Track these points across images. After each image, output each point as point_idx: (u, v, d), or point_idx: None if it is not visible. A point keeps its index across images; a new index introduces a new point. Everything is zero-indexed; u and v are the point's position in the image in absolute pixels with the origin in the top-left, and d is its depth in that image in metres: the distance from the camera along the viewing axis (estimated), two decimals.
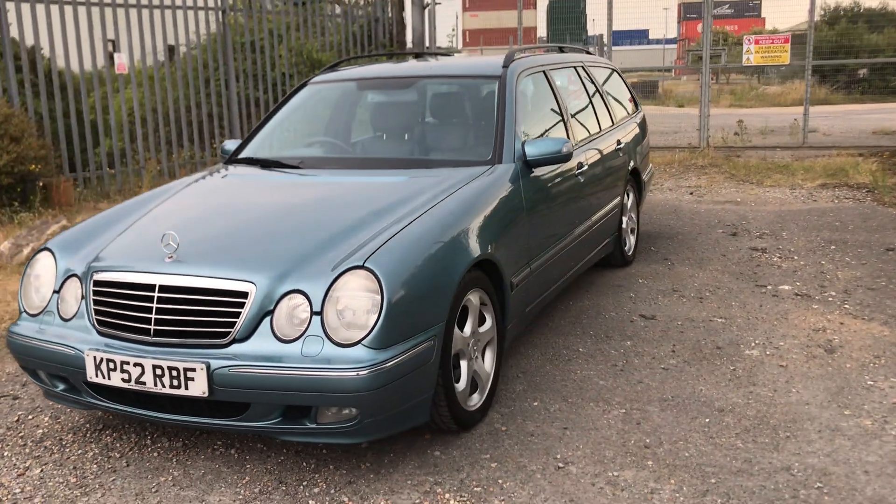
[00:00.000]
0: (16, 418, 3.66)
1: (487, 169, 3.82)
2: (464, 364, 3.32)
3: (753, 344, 4.20)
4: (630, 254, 5.83)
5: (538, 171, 4.09)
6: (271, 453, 3.25)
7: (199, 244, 3.17)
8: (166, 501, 2.94)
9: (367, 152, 4.34)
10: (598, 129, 5.26)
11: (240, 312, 2.90)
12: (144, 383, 2.94)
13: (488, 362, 3.55)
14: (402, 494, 2.92)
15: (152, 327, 2.98)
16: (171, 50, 10.64)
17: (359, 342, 2.80)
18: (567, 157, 4.01)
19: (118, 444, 3.37)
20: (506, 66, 4.39)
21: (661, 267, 5.76)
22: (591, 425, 3.36)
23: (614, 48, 13.58)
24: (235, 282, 2.93)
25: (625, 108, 6.20)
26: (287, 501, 2.91)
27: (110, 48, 10.41)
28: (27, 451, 3.35)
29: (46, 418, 3.65)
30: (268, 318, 2.90)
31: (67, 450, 3.35)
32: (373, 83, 4.64)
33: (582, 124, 5.03)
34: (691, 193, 8.91)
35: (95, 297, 3.15)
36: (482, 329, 3.47)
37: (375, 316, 2.82)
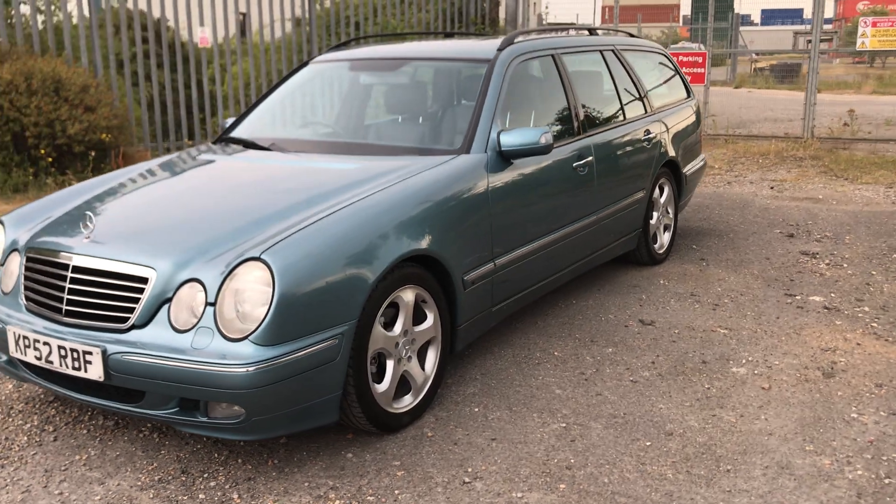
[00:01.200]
0: None
1: (450, 158, 3.62)
2: (389, 364, 3.17)
3: (745, 361, 3.83)
4: (661, 252, 5.47)
5: (519, 163, 3.86)
6: (189, 440, 3.21)
7: (117, 227, 3.15)
8: (69, 481, 2.95)
9: (340, 136, 4.22)
10: (620, 118, 4.93)
11: (139, 298, 2.85)
12: (52, 362, 2.95)
13: (429, 363, 3.38)
14: (293, 496, 2.81)
15: (64, 307, 2.98)
16: (298, 23, 10.92)
17: (246, 337, 2.70)
18: (546, 150, 3.75)
19: (57, 418, 3.42)
20: (501, 49, 4.15)
21: (692, 267, 5.38)
22: (522, 438, 3.15)
23: (762, 28, 12.86)
24: (137, 266, 2.89)
25: (670, 95, 5.80)
26: (180, 492, 2.86)
27: (240, 20, 10.84)
28: None
29: (10, 386, 3.74)
30: (166, 306, 2.84)
31: (10, 419, 3.42)
32: (364, 64, 4.50)
33: (596, 112, 4.72)
34: (772, 188, 8.31)
35: (26, 273, 3.19)
36: (420, 328, 3.30)
37: (265, 310, 2.71)
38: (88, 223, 3.07)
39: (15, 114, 7.76)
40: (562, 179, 4.19)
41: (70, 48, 8.93)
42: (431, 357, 3.39)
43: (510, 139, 3.74)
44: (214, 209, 3.26)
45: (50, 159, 7.85)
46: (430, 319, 3.34)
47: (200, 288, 2.81)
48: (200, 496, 2.84)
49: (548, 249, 4.09)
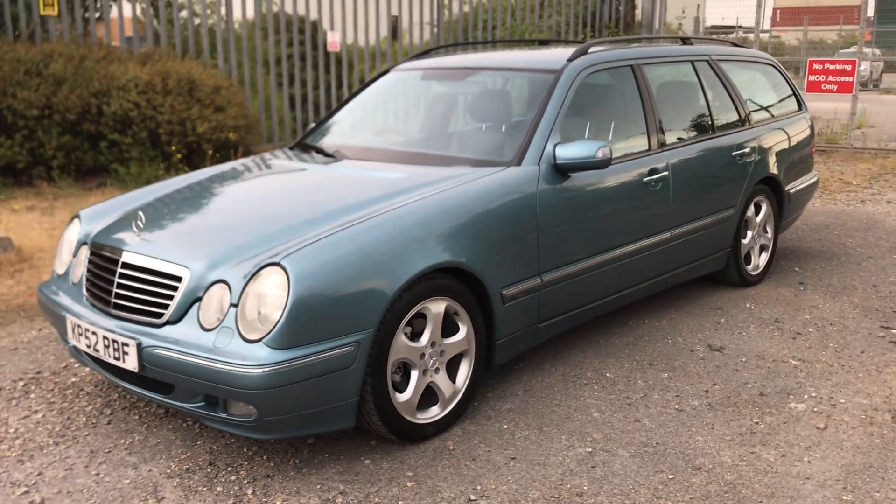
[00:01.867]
0: (65, 365, 4.08)
1: (499, 170, 3.59)
2: (414, 374, 3.19)
3: (807, 396, 3.58)
4: (755, 273, 5.18)
5: (577, 177, 3.77)
6: (224, 434, 3.35)
7: (166, 227, 3.33)
8: (108, 463, 3.14)
9: (401, 144, 4.24)
10: (707, 132, 4.72)
11: (174, 296, 3.01)
12: (98, 351, 3.15)
13: (461, 376, 3.37)
14: (303, 496, 2.89)
15: (112, 300, 3.19)
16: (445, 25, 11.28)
17: (260, 340, 2.79)
18: (603, 164, 3.65)
19: (117, 403, 3.65)
20: (571, 59, 4.07)
21: (787, 291, 5.07)
22: (543, 461, 3.08)
23: None
24: (173, 265, 3.05)
25: (776, 108, 5.50)
26: (202, 483, 2.99)
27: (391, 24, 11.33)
28: (48, 395, 3.74)
29: (87, 370, 4.03)
30: (197, 305, 2.97)
31: (77, 400, 3.68)
32: (435, 73, 4.52)
33: (678, 126, 4.54)
34: None
35: (88, 266, 3.42)
36: (450, 340, 3.29)
37: (280, 314, 2.79)
38: (139, 222, 3.27)
39: (151, 112, 8.31)
40: (628, 195, 4.06)
41: (208, 50, 9.48)
42: (464, 370, 3.38)
43: (566, 152, 3.66)
44: (256, 214, 3.38)
45: (180, 155, 8.36)
46: (462, 332, 3.33)
47: (227, 289, 2.92)
48: (218, 489, 2.96)
49: (608, 267, 3.98)
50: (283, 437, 2.96)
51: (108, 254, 3.31)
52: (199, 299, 2.97)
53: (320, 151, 4.22)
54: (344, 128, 4.44)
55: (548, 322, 3.76)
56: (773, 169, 5.16)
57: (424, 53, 4.88)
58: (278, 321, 2.78)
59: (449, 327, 3.32)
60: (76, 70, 8.48)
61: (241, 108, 9.02)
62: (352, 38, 10.82)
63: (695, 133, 4.64)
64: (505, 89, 4.26)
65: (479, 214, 3.38)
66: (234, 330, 2.85)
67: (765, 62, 5.58)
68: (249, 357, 2.77)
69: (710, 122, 4.77)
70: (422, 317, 3.20)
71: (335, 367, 2.87)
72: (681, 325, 4.49)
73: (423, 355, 3.19)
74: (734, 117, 4.98)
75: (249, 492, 2.93)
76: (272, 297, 2.83)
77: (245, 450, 3.23)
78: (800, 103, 5.76)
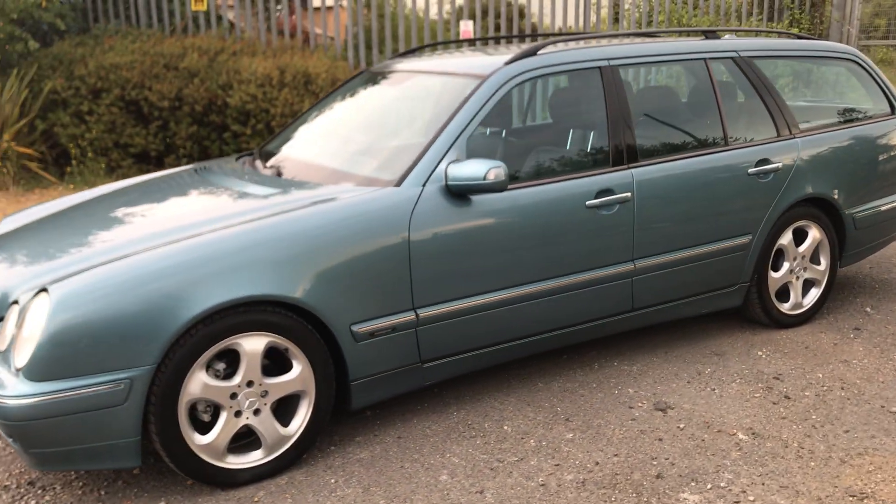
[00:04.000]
0: None
1: (371, 191, 3.21)
2: (223, 415, 2.93)
3: (713, 485, 2.87)
4: (795, 313, 4.28)
5: (480, 201, 3.29)
6: None
7: (15, 242, 3.33)
8: None
9: (309, 156, 3.82)
10: (711, 143, 3.95)
11: None
12: None
13: (297, 419, 3.06)
14: None
15: None
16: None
17: (20, 369, 2.69)
18: (496, 187, 3.16)
19: None
20: (510, 62, 3.56)
21: (829, 338, 4.15)
22: None
23: None
24: None
25: (846, 113, 4.52)
26: (4, 501, 2.95)
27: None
28: None
29: None
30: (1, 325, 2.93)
31: None
32: (382, 78, 4.12)
33: (661, 137, 3.86)
34: None
35: None
36: (275, 380, 2.99)
37: (37, 344, 2.66)
38: None
39: (266, 105, 8.54)
40: (557, 221, 3.48)
41: (404, 39, 9.55)
42: (301, 413, 3.06)
43: (456, 172, 3.21)
44: (94, 235, 3.27)
45: None
46: (295, 371, 3.01)
47: (18, 312, 2.84)
48: (31, 501, 2.90)
49: (528, 303, 3.45)
50: (59, 469, 2.84)
51: None
52: (1, 319, 2.92)
53: (251, 162, 4.03)
54: (287, 134, 4.19)
55: (436, 362, 3.33)
56: (824, 187, 4.23)
57: (408, 53, 4.51)
58: (34, 351, 2.65)
59: (282, 365, 3.03)
60: (209, 64, 8.93)
61: None
62: (572, 21, 10.28)
63: (690, 147, 3.90)
64: (428, 97, 3.79)
65: (323, 242, 3.03)
66: (12, 356, 2.76)
67: (840, 56, 4.57)
68: (8, 387, 2.68)
69: (720, 134, 3.99)
70: (233, 353, 2.93)
71: (101, 404, 2.70)
72: (651, 372, 3.81)
73: (234, 395, 2.92)
74: (765, 126, 4.13)
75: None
76: (35, 324, 2.71)
77: (73, 473, 3.15)
78: (893, 106, 4.68)
